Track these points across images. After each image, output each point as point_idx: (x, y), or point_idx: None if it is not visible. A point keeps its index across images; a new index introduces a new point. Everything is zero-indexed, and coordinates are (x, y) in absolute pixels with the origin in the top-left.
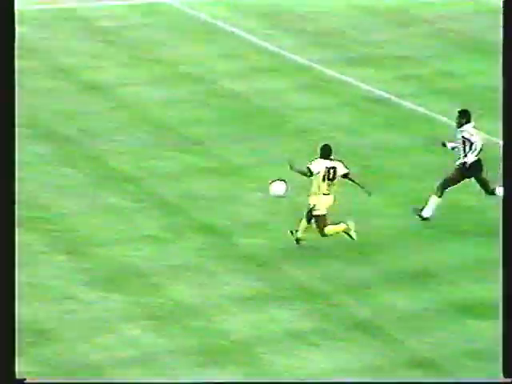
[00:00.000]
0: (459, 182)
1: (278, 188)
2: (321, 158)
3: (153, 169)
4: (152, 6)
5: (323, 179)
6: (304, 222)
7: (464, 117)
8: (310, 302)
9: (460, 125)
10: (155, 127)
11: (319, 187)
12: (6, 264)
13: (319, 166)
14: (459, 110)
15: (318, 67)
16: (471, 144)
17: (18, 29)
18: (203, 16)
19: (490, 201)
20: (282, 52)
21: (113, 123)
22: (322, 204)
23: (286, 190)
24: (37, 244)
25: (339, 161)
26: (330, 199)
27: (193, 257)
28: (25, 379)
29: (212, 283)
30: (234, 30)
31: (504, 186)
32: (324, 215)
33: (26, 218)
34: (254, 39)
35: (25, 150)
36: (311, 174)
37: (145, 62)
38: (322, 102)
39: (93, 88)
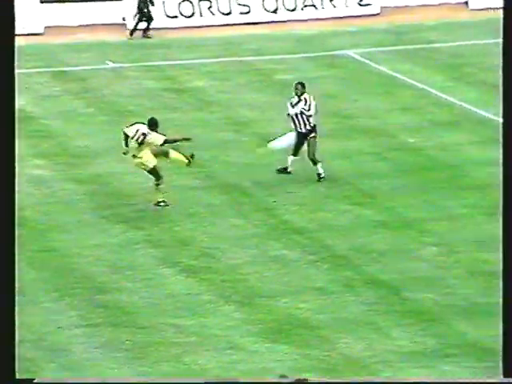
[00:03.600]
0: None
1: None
2: (143, 124)
3: (324, 221)
4: (330, 58)
5: (136, 141)
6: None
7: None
8: (481, 360)
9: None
10: (329, 180)
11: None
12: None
13: (133, 129)
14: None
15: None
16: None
17: (197, 83)
18: (382, 68)
19: None
20: (463, 105)
21: (286, 176)
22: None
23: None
24: (206, 293)
25: (159, 134)
26: (136, 161)
27: (361, 310)
28: (19, 378)
29: (379, 338)
30: (413, 82)
31: (504, 186)
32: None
33: (198, 268)
34: (433, 91)
35: (199, 203)
36: (126, 136)
37: (322, 115)
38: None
39: (265, 140)
